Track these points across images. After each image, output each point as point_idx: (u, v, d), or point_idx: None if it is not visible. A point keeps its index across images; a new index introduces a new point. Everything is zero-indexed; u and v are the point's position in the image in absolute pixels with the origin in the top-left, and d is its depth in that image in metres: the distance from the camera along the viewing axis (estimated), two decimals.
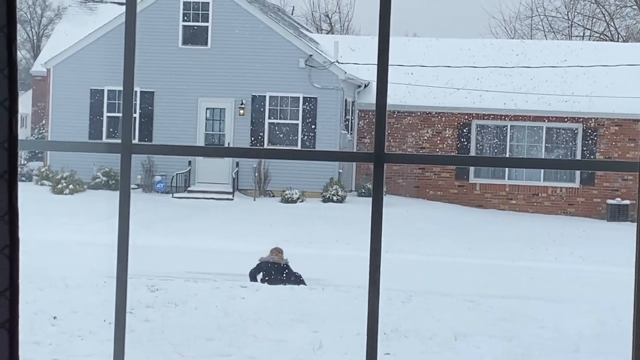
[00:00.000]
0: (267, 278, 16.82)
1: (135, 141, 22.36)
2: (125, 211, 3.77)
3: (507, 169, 32.33)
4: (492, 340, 12.72)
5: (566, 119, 32.65)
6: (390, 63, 3.80)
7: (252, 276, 17.02)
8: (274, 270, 16.97)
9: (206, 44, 33.01)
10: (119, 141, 3.97)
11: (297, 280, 16.96)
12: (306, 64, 32.42)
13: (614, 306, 15.11)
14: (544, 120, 32.75)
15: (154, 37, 30.85)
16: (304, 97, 32.57)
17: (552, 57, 33.61)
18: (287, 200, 30.76)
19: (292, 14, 44.56)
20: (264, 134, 32.64)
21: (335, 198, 30.89)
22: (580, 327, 13.56)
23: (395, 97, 30.71)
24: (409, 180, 32.25)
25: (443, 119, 33.17)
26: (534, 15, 47.65)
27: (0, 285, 2.32)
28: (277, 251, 17.44)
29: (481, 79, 32.74)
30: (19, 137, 2.37)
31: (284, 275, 17.00)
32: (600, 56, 33.73)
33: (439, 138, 33.25)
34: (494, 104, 32.58)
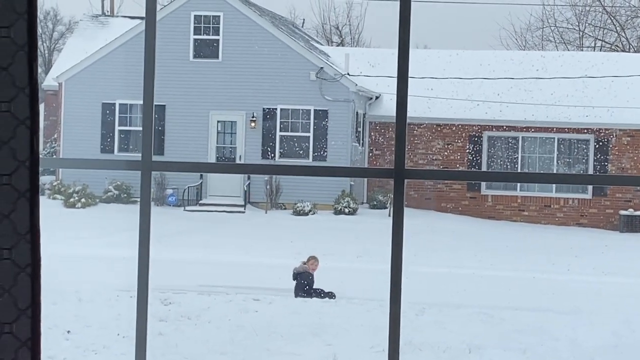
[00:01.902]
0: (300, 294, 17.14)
1: None
2: (146, 228, 3.77)
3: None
4: (506, 352, 12.69)
5: (584, 130, 32.57)
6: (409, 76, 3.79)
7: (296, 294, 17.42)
8: (301, 286, 17.23)
9: (217, 57, 33.07)
10: (139, 156, 3.97)
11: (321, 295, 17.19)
12: (317, 77, 32.44)
13: (629, 318, 15.07)
14: (557, 131, 32.71)
15: (166, 50, 30.91)
16: (315, 110, 32.59)
17: (572, 71, 33.56)
18: (298, 213, 30.76)
19: (302, 26, 44.60)
20: (275, 147, 32.66)
21: (347, 210, 30.87)
22: (595, 338, 13.51)
23: (415, 112, 30.73)
24: (420, 192, 32.21)
25: (455, 130, 33.15)
26: (544, 26, 47.61)
27: (22, 303, 2.32)
28: (311, 260, 17.84)
29: (501, 94, 32.72)
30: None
31: (308, 290, 17.19)
32: (619, 67, 33.73)
33: (450, 149, 33.23)
34: (514, 118, 32.53)
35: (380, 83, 33.13)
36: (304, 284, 17.42)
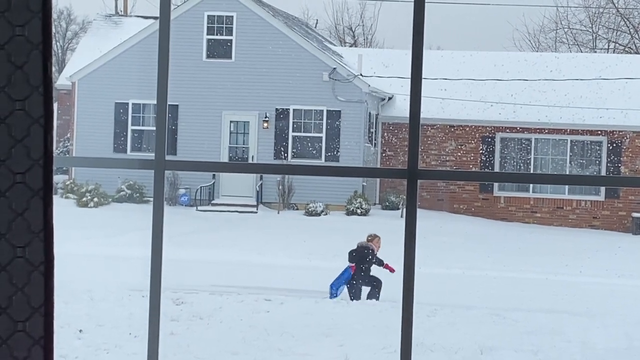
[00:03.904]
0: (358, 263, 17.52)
1: None
2: (159, 227, 3.77)
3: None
4: (518, 354, 12.67)
5: (597, 132, 32.50)
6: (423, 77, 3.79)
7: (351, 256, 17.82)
8: (363, 255, 17.61)
9: (230, 57, 33.10)
10: (152, 156, 3.97)
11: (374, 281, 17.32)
12: (330, 77, 32.45)
13: None
14: (571, 133, 32.65)
15: (179, 50, 30.93)
16: (327, 110, 32.59)
17: (586, 73, 33.49)
18: (311, 213, 30.76)
19: (315, 27, 44.62)
20: (287, 147, 32.67)
21: (359, 211, 30.85)
22: (607, 340, 13.48)
23: (428, 113, 30.70)
24: (433, 193, 32.20)
25: (468, 131, 33.13)
26: (558, 28, 47.53)
27: (35, 301, 2.32)
28: (376, 239, 18.18)
29: (515, 95, 32.67)
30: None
31: (368, 260, 17.57)
32: (633, 69, 33.67)
33: (462, 151, 33.20)
34: (527, 119, 32.48)
35: (394, 84, 33.11)
36: (367, 259, 17.59)
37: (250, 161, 32.51)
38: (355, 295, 17.21)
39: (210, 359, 11.92)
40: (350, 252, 17.98)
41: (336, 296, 17.16)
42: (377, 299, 17.04)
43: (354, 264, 17.61)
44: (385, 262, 17.67)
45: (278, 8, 36.25)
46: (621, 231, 31.48)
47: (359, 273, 17.43)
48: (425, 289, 16.23)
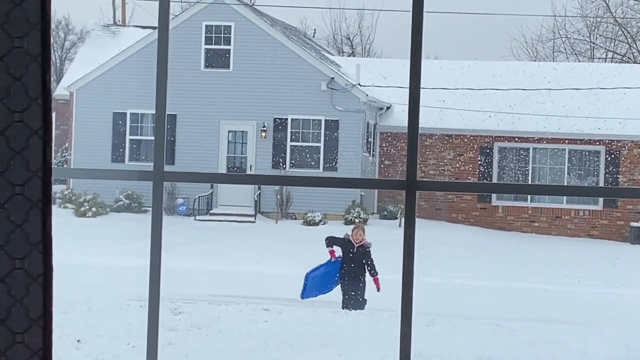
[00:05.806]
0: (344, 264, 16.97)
1: None
2: (157, 238, 3.77)
3: None
4: None
5: (596, 142, 32.52)
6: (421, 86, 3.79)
7: (329, 243, 17.33)
8: (353, 252, 16.95)
9: (228, 67, 33.11)
10: (150, 165, 3.97)
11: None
12: (328, 87, 32.46)
13: None
14: (569, 143, 32.66)
15: (177, 60, 30.94)
16: (325, 120, 32.59)
17: (584, 83, 33.51)
18: (309, 223, 30.75)
19: (313, 36, 44.65)
20: (286, 157, 32.67)
21: (357, 221, 30.82)
22: (606, 350, 13.46)
23: (426, 123, 30.69)
24: (431, 202, 32.19)
25: (467, 141, 33.14)
26: (555, 37, 47.59)
27: (34, 313, 2.32)
28: (357, 230, 17.38)
29: (513, 106, 32.69)
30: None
31: (361, 262, 16.93)
32: (630, 79, 33.70)
33: (461, 161, 33.20)
34: (525, 129, 32.50)
35: (392, 94, 33.14)
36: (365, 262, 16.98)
37: (248, 171, 32.50)
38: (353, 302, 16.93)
39: None
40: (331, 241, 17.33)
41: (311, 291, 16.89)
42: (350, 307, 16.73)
43: (331, 249, 17.10)
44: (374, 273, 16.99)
45: (276, 18, 36.30)
46: (619, 241, 31.47)
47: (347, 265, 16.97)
48: (424, 299, 16.20)
